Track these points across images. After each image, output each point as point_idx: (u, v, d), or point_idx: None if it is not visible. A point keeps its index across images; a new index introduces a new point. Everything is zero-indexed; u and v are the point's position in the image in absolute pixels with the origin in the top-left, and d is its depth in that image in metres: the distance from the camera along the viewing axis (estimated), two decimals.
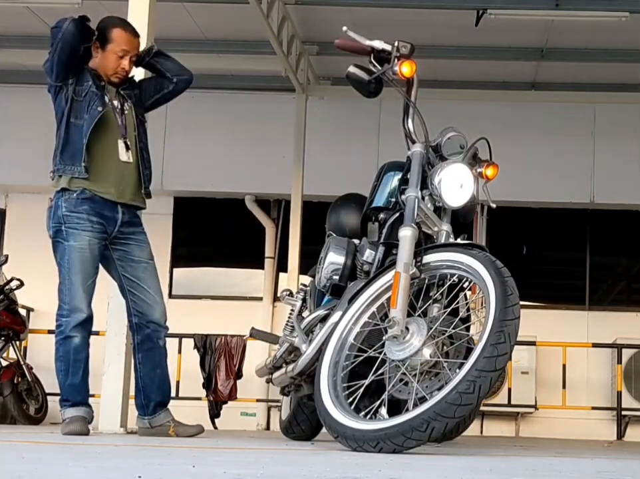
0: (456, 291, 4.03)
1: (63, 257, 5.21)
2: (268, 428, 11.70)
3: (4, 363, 9.79)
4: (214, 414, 10.15)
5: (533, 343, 10.98)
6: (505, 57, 11.22)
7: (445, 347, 3.99)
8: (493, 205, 4.39)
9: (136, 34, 5.47)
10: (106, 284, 5.61)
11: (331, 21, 10.21)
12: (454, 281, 3.99)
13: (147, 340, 5.42)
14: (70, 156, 5.24)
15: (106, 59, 5.35)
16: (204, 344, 10.13)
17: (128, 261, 5.38)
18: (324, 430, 4.24)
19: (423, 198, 4.19)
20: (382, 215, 4.56)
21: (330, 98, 12.01)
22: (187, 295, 12.21)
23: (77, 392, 5.24)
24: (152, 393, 5.44)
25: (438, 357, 3.87)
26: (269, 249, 12.32)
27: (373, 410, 3.85)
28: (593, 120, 11.98)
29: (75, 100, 5.25)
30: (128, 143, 5.37)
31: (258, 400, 11.38)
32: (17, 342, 9.87)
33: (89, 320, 5.23)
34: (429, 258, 4.01)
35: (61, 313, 5.20)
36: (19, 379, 9.72)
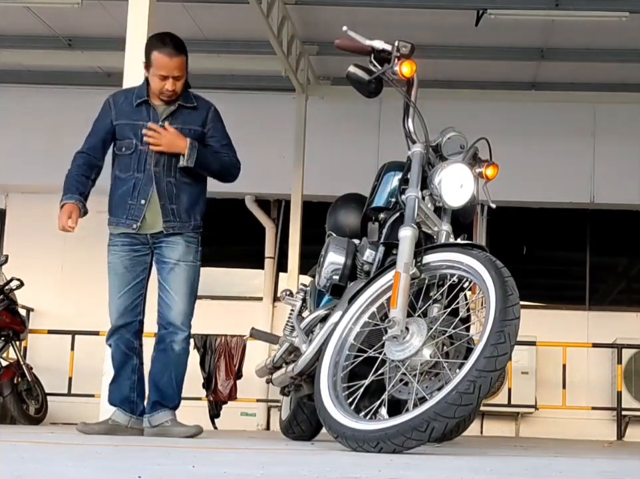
0: (456, 291, 4.02)
1: (108, 273, 5.52)
2: (268, 428, 11.70)
3: (4, 363, 9.77)
4: (214, 414, 10.15)
5: (533, 343, 10.98)
6: (505, 57, 11.22)
7: (445, 347, 3.98)
8: (493, 205, 4.39)
9: (173, 55, 5.43)
10: (106, 285, 5.61)
11: (331, 21, 10.20)
12: (454, 281, 3.98)
13: (160, 341, 5.51)
14: None
15: (151, 81, 5.52)
16: (204, 344, 10.12)
17: (160, 263, 5.57)
18: (324, 430, 4.24)
19: (423, 198, 4.18)
20: (382, 215, 4.56)
21: (330, 98, 12.00)
22: None
23: (112, 394, 5.48)
24: (153, 392, 5.45)
25: (438, 357, 3.87)
26: (269, 249, 12.31)
27: (373, 410, 3.84)
28: (593, 120, 11.98)
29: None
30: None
31: (258, 400, 11.38)
32: (17, 342, 9.85)
33: (119, 329, 5.45)
34: (429, 258, 4.00)
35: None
36: (19, 379, 9.70)
